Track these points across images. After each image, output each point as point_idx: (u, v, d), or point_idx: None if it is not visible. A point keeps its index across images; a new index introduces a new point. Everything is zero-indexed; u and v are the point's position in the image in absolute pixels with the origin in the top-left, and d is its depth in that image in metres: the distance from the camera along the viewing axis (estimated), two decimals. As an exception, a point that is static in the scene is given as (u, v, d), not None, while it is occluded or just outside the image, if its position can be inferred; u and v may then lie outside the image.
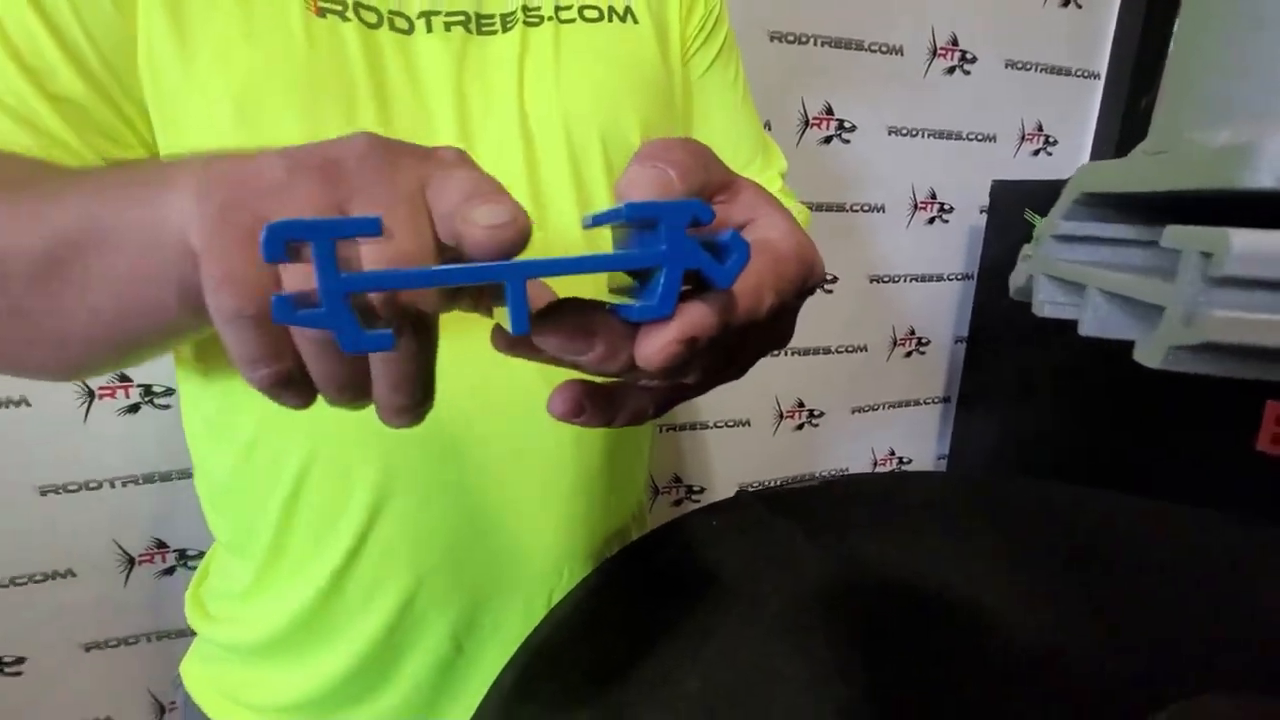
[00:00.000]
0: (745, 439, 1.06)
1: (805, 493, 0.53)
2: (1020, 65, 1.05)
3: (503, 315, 0.17)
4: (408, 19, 0.38)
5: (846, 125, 0.97)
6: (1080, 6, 1.06)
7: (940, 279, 1.11)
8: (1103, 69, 1.11)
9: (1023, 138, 1.09)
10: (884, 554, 0.44)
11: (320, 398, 0.20)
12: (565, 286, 0.21)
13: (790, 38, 0.91)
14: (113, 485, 0.78)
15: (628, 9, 0.44)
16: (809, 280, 0.22)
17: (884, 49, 0.96)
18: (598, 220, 0.19)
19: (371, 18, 0.37)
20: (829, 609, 0.38)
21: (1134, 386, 0.85)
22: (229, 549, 0.46)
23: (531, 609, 0.42)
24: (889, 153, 1.01)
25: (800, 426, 1.09)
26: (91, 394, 0.75)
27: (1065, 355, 0.93)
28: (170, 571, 0.83)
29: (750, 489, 1.09)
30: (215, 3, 0.33)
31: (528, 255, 0.16)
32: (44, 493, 0.76)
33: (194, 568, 0.83)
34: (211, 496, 0.45)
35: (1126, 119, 1.12)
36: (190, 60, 0.33)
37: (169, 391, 0.78)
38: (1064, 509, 0.51)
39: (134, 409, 0.77)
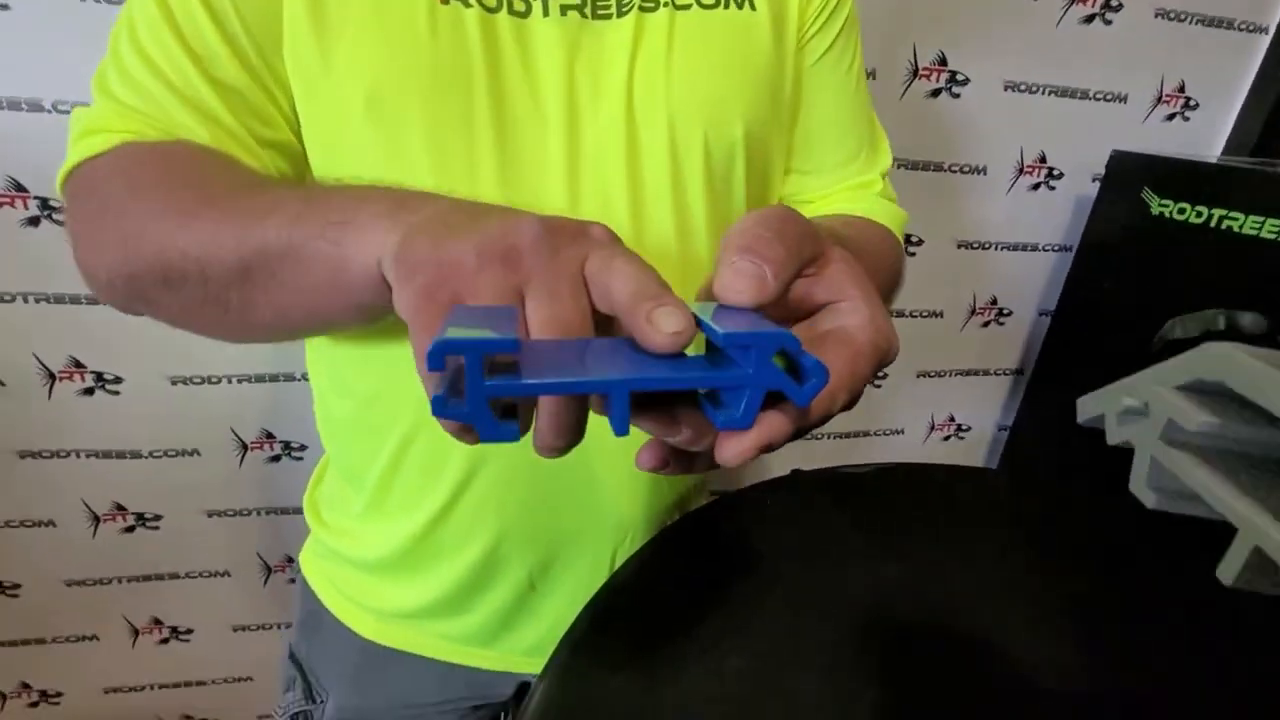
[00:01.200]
0: (804, 392, 1.08)
1: (858, 479, 0.55)
2: (1173, 15, 0.93)
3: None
4: (526, 1, 0.38)
5: (959, 78, 0.90)
6: (1261, -55, 0.92)
7: (1034, 249, 1.05)
8: (1273, 22, 0.97)
9: (1159, 99, 0.99)
10: (927, 552, 0.46)
11: None
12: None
13: (910, -24, 0.83)
14: (229, 381, 0.88)
15: None
16: (882, 367, 0.25)
17: (1016, -8, 0.87)
18: (698, 308, 0.21)
19: (492, 1, 0.37)
20: (866, 602, 0.42)
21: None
22: (342, 475, 0.52)
23: (598, 562, 0.48)
24: (1001, 110, 0.93)
25: (861, 386, 1.09)
26: (212, 300, 0.83)
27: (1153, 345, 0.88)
28: (277, 459, 0.95)
29: (797, 448, 1.11)
30: None
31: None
32: (174, 383, 0.86)
33: (299, 458, 0.94)
34: (329, 430, 0.52)
35: (1288, 85, 0.99)
36: (328, 51, 0.35)
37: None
38: (1106, 522, 0.52)
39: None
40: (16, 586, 0.93)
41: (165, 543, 0.95)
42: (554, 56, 0.39)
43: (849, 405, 0.24)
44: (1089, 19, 0.91)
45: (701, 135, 0.41)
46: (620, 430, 0.19)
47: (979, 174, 0.98)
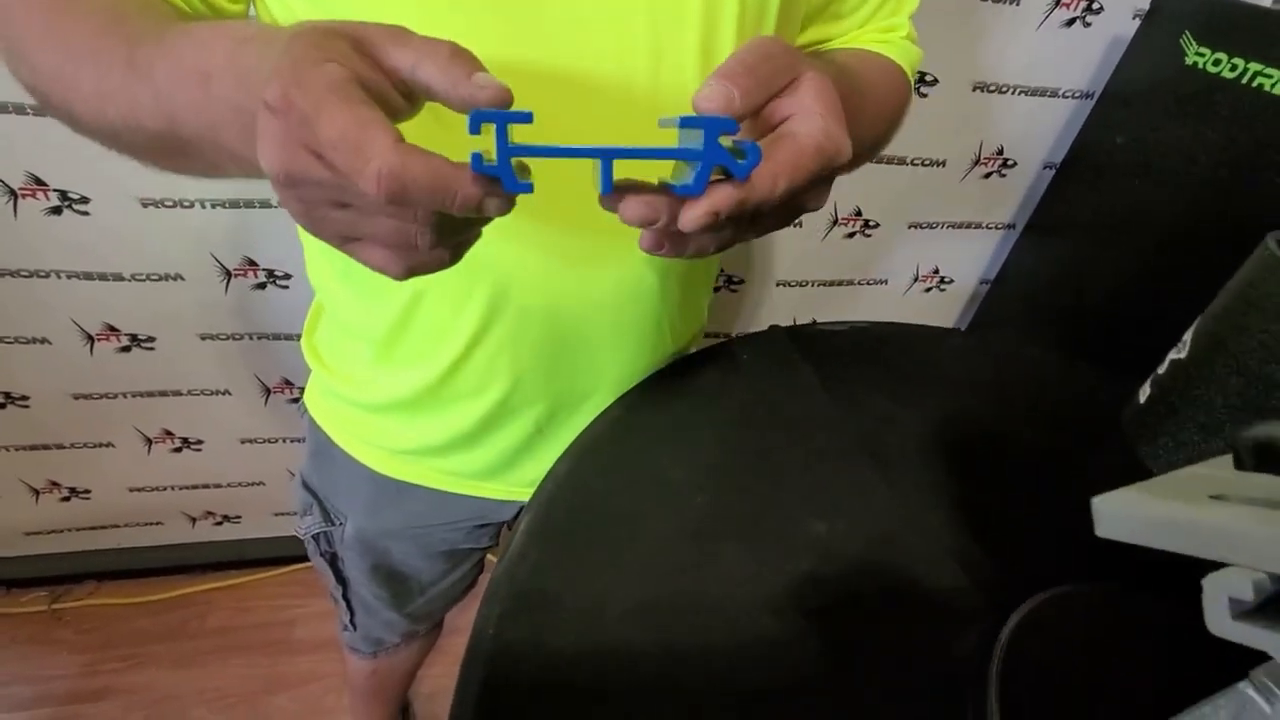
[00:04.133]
0: (792, 239, 1.07)
1: (831, 336, 0.57)
2: None
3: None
4: None
5: (1011, -121, 0.78)
6: None
7: (1054, 95, 0.98)
8: None
9: (1231, -82, 0.87)
10: (888, 410, 0.50)
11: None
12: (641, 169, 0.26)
13: None
14: (204, 205, 0.85)
15: None
16: (826, 169, 0.28)
17: None
18: (664, 123, 0.27)
19: None
20: (826, 454, 0.46)
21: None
22: (342, 331, 0.53)
23: (600, 409, 0.51)
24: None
25: (851, 235, 1.08)
26: (171, 116, 0.77)
27: (1161, 207, 0.87)
28: (262, 286, 0.95)
29: (783, 294, 1.13)
30: None
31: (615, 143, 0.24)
32: (144, 205, 0.83)
33: (284, 287, 0.94)
34: (326, 289, 0.51)
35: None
36: None
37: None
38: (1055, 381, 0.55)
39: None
40: (25, 398, 0.98)
41: (162, 362, 0.98)
42: None
43: (796, 198, 0.28)
44: None
45: None
46: (605, 189, 0.25)
47: (1010, 3, 0.88)
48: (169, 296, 0.91)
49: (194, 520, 1.22)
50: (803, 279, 1.13)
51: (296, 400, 1.08)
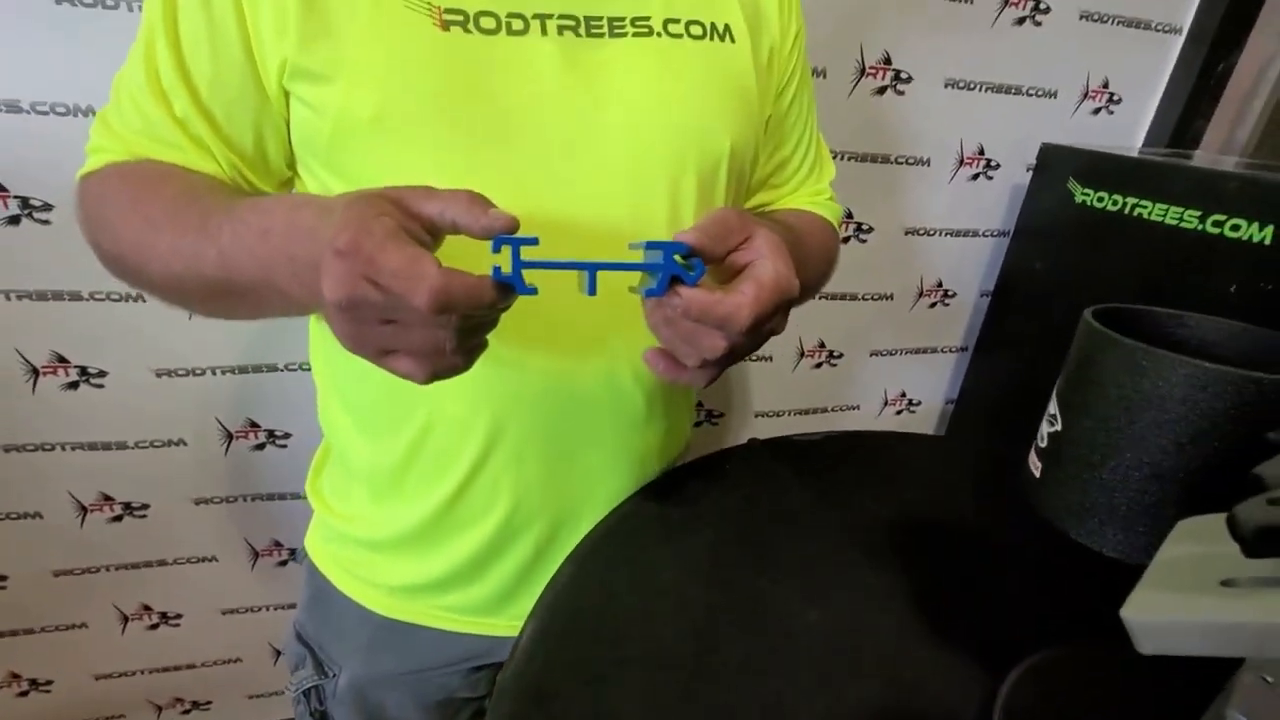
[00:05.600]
0: (766, 372, 1.15)
1: (808, 445, 0.62)
2: (1096, 17, 1.01)
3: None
4: (524, 19, 0.42)
5: (903, 76, 0.97)
6: (1174, -47, 1.00)
7: (975, 235, 1.13)
8: (1186, 23, 1.06)
9: (1085, 95, 1.07)
10: (867, 506, 0.53)
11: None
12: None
13: (856, -18, 0.89)
14: (214, 372, 0.91)
15: (727, 28, 0.48)
16: (782, 300, 0.36)
17: (953, -4, 0.94)
18: (633, 246, 0.36)
19: (490, 24, 0.42)
20: (813, 548, 0.48)
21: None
22: (349, 472, 0.56)
23: None
24: (942, 106, 1.00)
25: (819, 365, 1.17)
26: (195, 294, 0.86)
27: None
28: (261, 447, 0.98)
29: (763, 424, 1.19)
30: (350, 24, 0.39)
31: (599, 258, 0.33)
32: (159, 375, 0.89)
33: (283, 445, 0.98)
34: (337, 430, 0.55)
35: (1201, 79, 1.08)
36: (331, 80, 0.40)
37: (259, 296, 0.88)
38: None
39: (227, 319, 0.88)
40: (4, 579, 0.95)
41: (152, 530, 0.97)
42: (553, 72, 0.43)
43: (758, 328, 0.35)
44: (1020, 20, 0.98)
45: (697, 146, 0.47)
46: (591, 293, 0.33)
47: (923, 165, 1.05)
48: (169, 461, 0.94)
49: (160, 709, 1.13)
50: (779, 409, 1.19)
51: (285, 563, 1.06)
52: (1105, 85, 1.07)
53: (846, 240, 1.07)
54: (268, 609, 1.09)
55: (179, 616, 1.05)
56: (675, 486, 0.54)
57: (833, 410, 1.23)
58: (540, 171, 0.43)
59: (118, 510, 0.95)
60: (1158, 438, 0.29)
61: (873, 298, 1.13)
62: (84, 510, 0.94)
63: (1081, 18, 1.01)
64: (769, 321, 0.37)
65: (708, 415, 1.16)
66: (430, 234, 0.32)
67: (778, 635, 0.40)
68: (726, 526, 0.50)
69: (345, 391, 0.52)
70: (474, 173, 0.42)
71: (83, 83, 0.73)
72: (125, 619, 1.03)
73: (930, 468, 0.60)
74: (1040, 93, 1.05)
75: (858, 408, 1.24)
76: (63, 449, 0.89)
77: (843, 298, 1.12)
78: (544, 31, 0.43)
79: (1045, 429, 0.35)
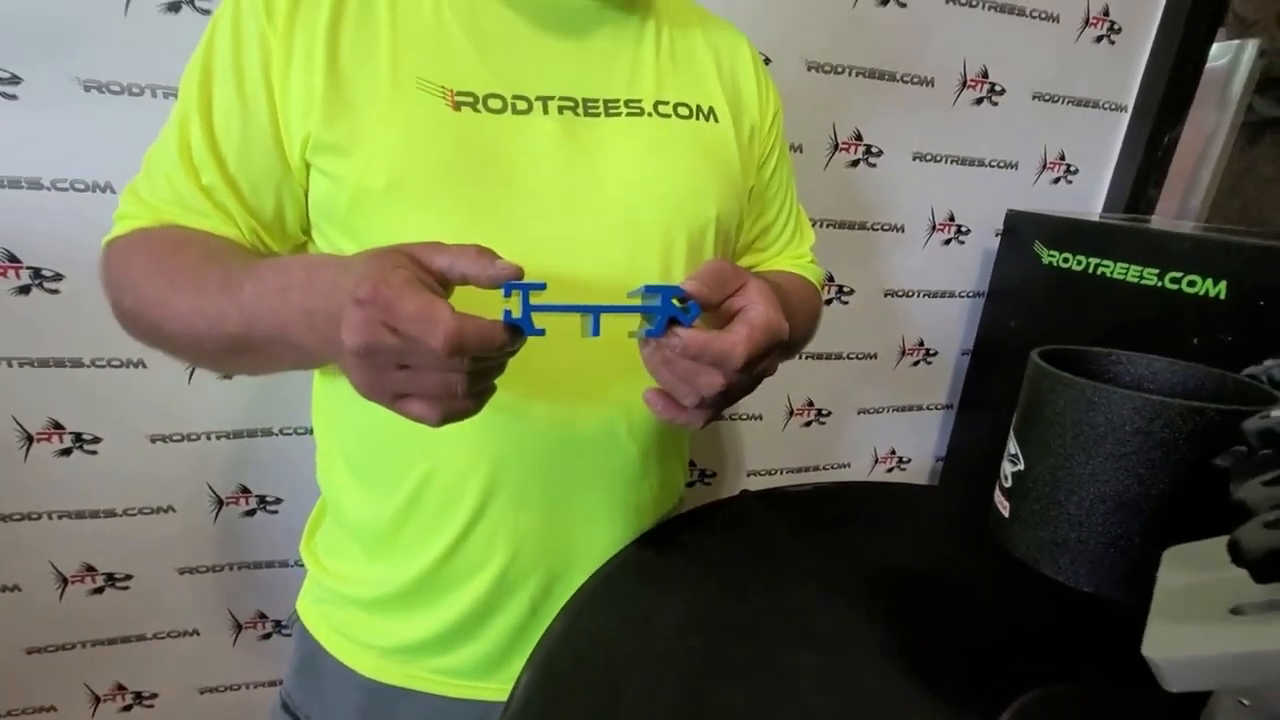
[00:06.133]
0: (756, 431, 1.16)
1: (796, 496, 0.63)
2: (1048, 97, 1.10)
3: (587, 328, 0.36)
4: (528, 101, 0.47)
5: (873, 150, 1.04)
6: (1113, 43, 1.10)
7: (952, 296, 1.18)
8: (1130, 102, 1.15)
9: (1044, 166, 1.15)
10: (857, 552, 0.54)
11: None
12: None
13: (826, 68, 0.97)
14: (208, 438, 0.91)
15: (711, 109, 0.53)
16: (774, 342, 0.39)
17: (915, 80, 1.02)
18: (633, 292, 0.39)
19: (497, 104, 0.46)
20: (806, 594, 0.49)
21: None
22: (346, 528, 0.56)
23: None
24: (912, 177, 1.07)
25: (808, 424, 1.19)
26: (195, 360, 0.87)
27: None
28: (252, 514, 0.97)
29: (755, 483, 1.19)
30: (370, 105, 0.43)
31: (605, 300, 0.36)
32: (153, 440, 0.89)
33: (273, 512, 0.97)
34: (336, 487, 0.56)
35: (1148, 151, 1.16)
36: (350, 153, 0.43)
37: (258, 361, 0.90)
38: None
39: (229, 375, 0.89)
40: (-26, 657, 0.92)
41: (134, 603, 0.95)
42: (553, 147, 0.47)
43: (751, 366, 0.38)
44: (978, 101, 1.07)
45: (686, 214, 0.51)
46: (594, 333, 0.35)
47: (898, 231, 1.11)
48: (157, 529, 0.92)
49: (126, 802, 1.06)
50: (771, 468, 1.20)
51: (269, 635, 1.03)
52: (1062, 157, 1.15)
53: (829, 302, 1.11)
54: (247, 687, 1.05)
55: (154, 696, 1.01)
56: (669, 536, 0.55)
57: (824, 468, 1.23)
58: (541, 235, 0.46)
59: (99, 582, 0.93)
60: (1117, 470, 0.31)
61: (857, 357, 1.17)
62: (65, 582, 0.91)
63: (1034, 98, 1.09)
64: (761, 361, 0.40)
65: (700, 475, 1.17)
66: (442, 285, 0.35)
67: (773, 681, 0.40)
68: (720, 574, 0.50)
69: (346, 446, 0.54)
70: (479, 236, 0.45)
71: (103, 161, 0.77)
72: (97, 700, 0.98)
73: (917, 516, 0.61)
74: (1002, 164, 1.12)
75: (849, 465, 1.24)
76: (49, 517, 0.88)
77: (828, 357, 1.15)
78: (545, 111, 0.47)
79: (1008, 468, 0.37)
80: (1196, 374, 0.36)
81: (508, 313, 0.33)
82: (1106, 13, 1.08)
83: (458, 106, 0.45)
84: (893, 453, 1.27)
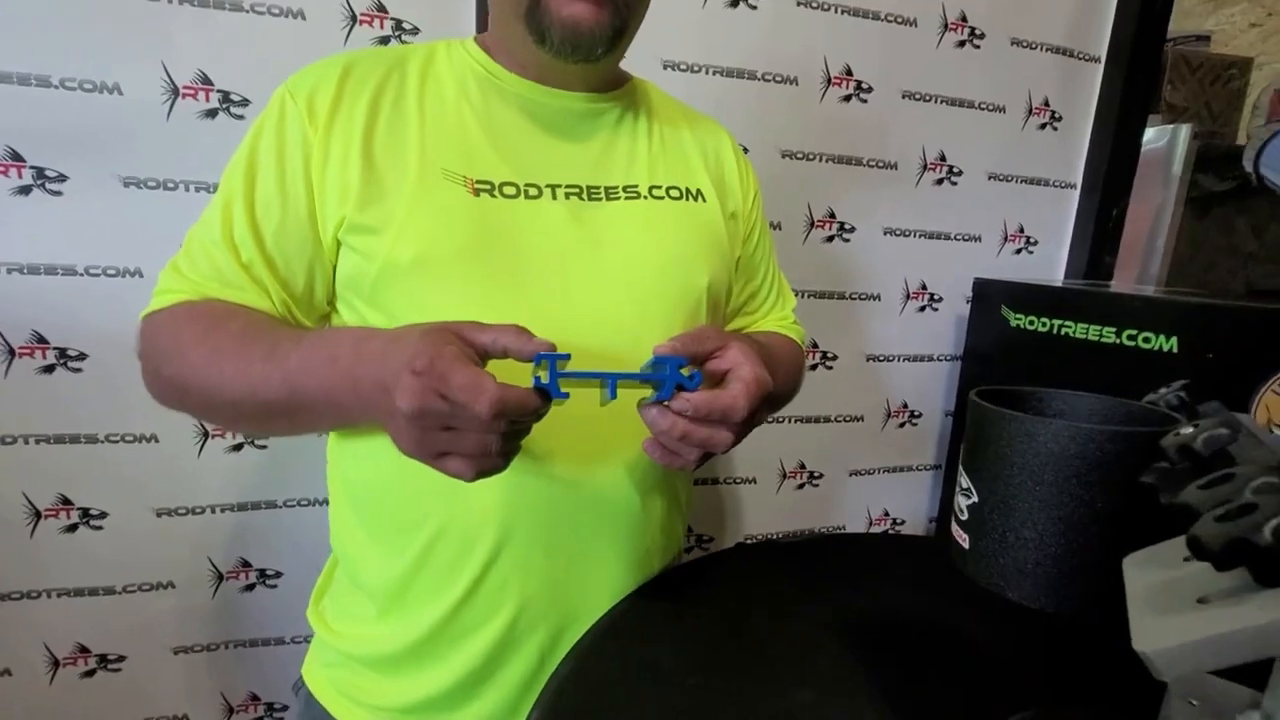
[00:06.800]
0: (751, 495, 1.19)
1: (790, 546, 0.66)
2: (1002, 177, 1.21)
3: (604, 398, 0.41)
4: (539, 188, 0.54)
5: (846, 227, 1.13)
6: (1056, 129, 1.22)
7: (931, 359, 1.24)
8: (1078, 180, 1.26)
9: (1005, 238, 1.24)
10: (848, 597, 0.56)
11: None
12: (641, 359, 0.44)
13: (799, 155, 1.07)
14: (213, 510, 0.93)
15: (699, 191, 0.60)
16: (763, 394, 0.45)
17: (880, 164, 1.12)
18: (645, 365, 0.43)
19: (511, 190, 0.53)
20: (802, 634, 0.51)
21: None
22: (357, 585, 0.59)
23: None
24: (884, 250, 1.16)
25: (801, 486, 1.21)
26: (206, 434, 0.90)
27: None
28: (251, 588, 0.97)
29: (751, 539, 1.20)
30: (400, 193, 0.49)
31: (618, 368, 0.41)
32: (159, 515, 0.91)
33: (273, 586, 0.97)
34: (350, 544, 0.58)
35: (1099, 223, 1.26)
36: (380, 233, 0.49)
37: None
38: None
39: (238, 448, 0.92)
40: (-46, 749, 0.89)
41: (124, 686, 0.93)
42: (562, 227, 0.54)
43: (750, 416, 0.44)
44: (939, 181, 1.17)
45: (680, 284, 0.57)
46: (612, 397, 0.40)
47: (875, 300, 1.18)
48: (155, 606, 0.92)
49: None
50: (767, 531, 1.21)
51: (261, 719, 1.00)
52: (1021, 230, 1.25)
53: (814, 368, 1.17)
54: (235, 777, 1.01)
55: (136, 791, 0.97)
56: (670, 585, 0.57)
57: (819, 530, 1.25)
58: (551, 306, 0.52)
59: (91, 664, 0.91)
60: (1060, 494, 0.35)
61: (844, 419, 1.21)
62: (56, 665, 0.90)
63: (989, 178, 1.20)
64: (755, 415, 0.46)
65: (698, 540, 1.18)
66: (482, 359, 0.40)
67: (772, 717, 0.42)
68: (719, 618, 0.52)
69: (361, 505, 0.56)
70: (495, 306, 0.50)
71: (136, 249, 0.83)
72: (77, 795, 0.94)
73: (906, 564, 0.63)
74: (966, 237, 1.21)
75: (843, 527, 1.26)
76: (48, 596, 0.88)
77: (817, 420, 1.19)
78: (554, 197, 0.54)
79: (962, 502, 0.40)
80: (1107, 404, 0.41)
81: (538, 379, 0.38)
82: (1047, 104, 1.20)
83: (477, 193, 0.51)
84: (886, 514, 1.29)
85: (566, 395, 0.38)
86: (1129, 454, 0.33)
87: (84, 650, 0.91)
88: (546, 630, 0.55)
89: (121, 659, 0.93)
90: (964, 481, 0.40)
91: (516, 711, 0.56)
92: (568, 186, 0.54)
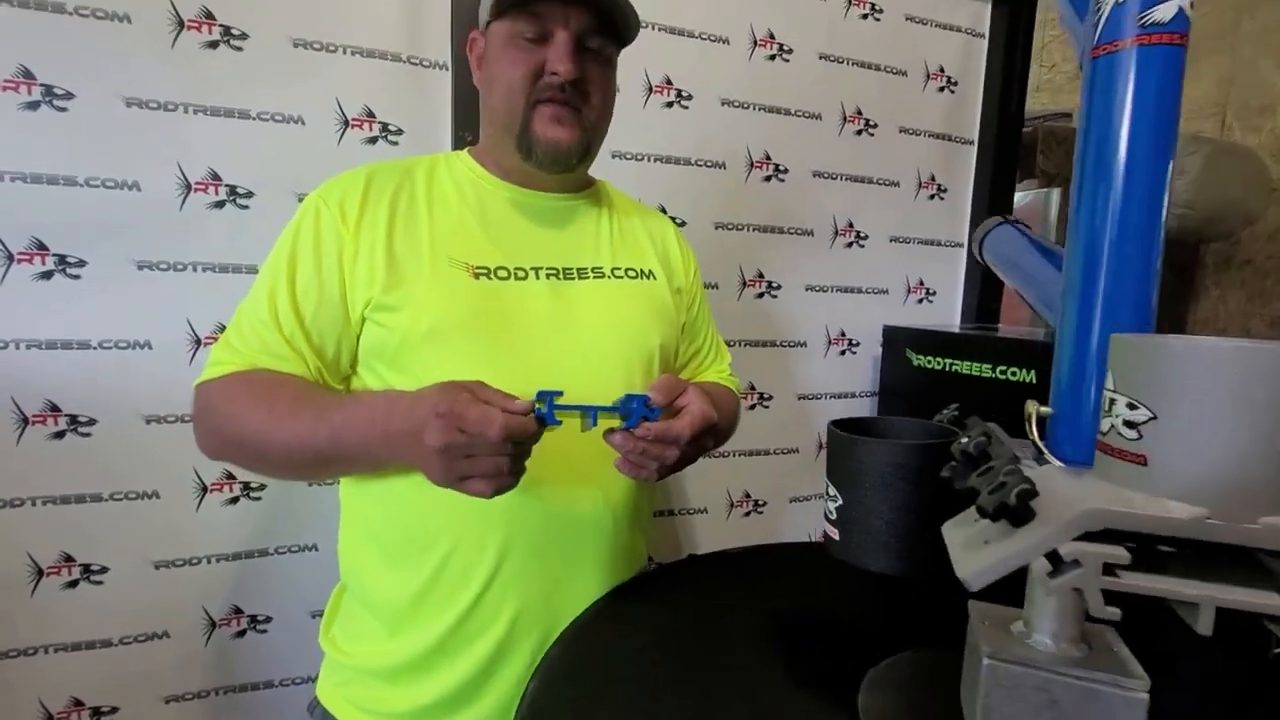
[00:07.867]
0: (704, 524, 1.32)
1: (736, 555, 0.79)
2: (902, 239, 1.43)
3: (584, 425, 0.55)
4: (525, 270, 0.68)
5: (774, 285, 1.31)
6: (943, 198, 1.45)
7: (852, 395, 1.42)
8: (964, 240, 1.49)
9: (909, 290, 1.45)
10: (793, 595, 0.70)
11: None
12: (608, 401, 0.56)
13: (731, 226, 1.26)
14: (209, 560, 1.00)
15: (650, 271, 0.76)
16: (707, 426, 0.59)
17: (799, 231, 1.32)
18: (618, 400, 0.55)
19: (504, 274, 0.67)
20: (739, 622, 0.64)
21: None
22: (368, 609, 0.69)
23: None
24: (807, 304, 1.35)
25: (748, 514, 1.36)
26: (205, 489, 0.98)
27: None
28: (242, 634, 1.03)
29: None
30: (417, 278, 0.63)
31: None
32: (157, 567, 0.97)
33: (263, 631, 1.04)
34: (362, 571, 0.69)
35: (984, 276, 1.49)
36: (400, 310, 0.62)
37: (261, 486, 1.02)
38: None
39: (234, 500, 1.00)
40: (-57, 812, 0.91)
41: (116, 739, 0.97)
42: (544, 303, 0.68)
43: (695, 441, 0.58)
44: (850, 244, 1.38)
45: (638, 346, 0.71)
46: (593, 424, 0.55)
47: (802, 346, 1.36)
48: (149, 657, 0.97)
49: None
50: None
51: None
52: (921, 283, 1.46)
53: (753, 408, 1.33)
54: (222, 826, 1.04)
55: (125, 843, 0.99)
56: (637, 587, 0.70)
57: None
58: (536, 364, 0.66)
59: (85, 717, 0.95)
60: (893, 490, 0.50)
61: (782, 452, 1.37)
62: (50, 720, 0.94)
63: (891, 240, 1.41)
64: (700, 439, 0.60)
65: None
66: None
67: (717, 680, 0.55)
68: (675, 608, 0.65)
69: (376, 531, 0.67)
70: (494, 366, 0.63)
71: (146, 324, 0.93)
72: None
73: (840, 568, 0.78)
74: (876, 290, 1.42)
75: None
76: (45, 652, 0.93)
77: (758, 454, 1.35)
78: (538, 278, 0.68)
79: (830, 505, 0.54)
80: (919, 424, 0.57)
81: (538, 410, 0.51)
82: (934, 179, 1.44)
83: (476, 276, 0.65)
84: (826, 535, 1.44)
85: (560, 422, 0.52)
86: (933, 459, 0.49)
87: (78, 703, 0.95)
88: (539, 633, 0.66)
89: (114, 710, 0.97)
90: (830, 490, 0.54)
91: (514, 707, 0.67)
92: (548, 269, 0.69)
